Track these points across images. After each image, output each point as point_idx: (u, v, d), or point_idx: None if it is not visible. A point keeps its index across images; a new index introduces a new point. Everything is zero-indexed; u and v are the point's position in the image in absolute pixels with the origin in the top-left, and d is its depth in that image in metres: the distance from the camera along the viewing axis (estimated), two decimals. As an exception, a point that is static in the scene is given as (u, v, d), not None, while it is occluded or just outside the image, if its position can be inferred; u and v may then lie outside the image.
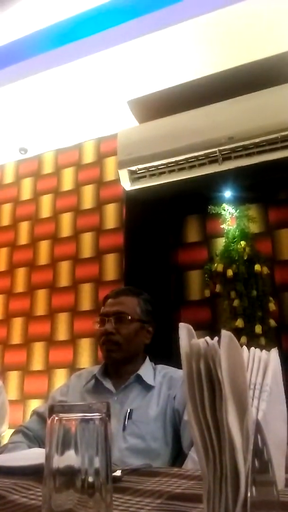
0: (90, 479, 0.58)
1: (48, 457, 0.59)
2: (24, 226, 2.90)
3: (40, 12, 2.02)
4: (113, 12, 1.97)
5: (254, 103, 2.05)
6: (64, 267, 2.69)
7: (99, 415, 0.60)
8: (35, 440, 1.29)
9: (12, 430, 1.38)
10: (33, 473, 0.81)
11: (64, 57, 2.10)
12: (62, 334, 2.58)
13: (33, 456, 0.95)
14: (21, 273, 2.81)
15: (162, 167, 2.23)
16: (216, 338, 0.45)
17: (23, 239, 2.88)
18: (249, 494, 0.39)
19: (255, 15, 1.83)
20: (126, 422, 1.24)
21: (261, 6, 1.79)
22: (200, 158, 2.15)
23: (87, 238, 2.68)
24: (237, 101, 2.09)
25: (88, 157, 2.82)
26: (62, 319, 2.60)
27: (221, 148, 2.07)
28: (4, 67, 2.21)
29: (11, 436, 1.34)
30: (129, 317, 1.35)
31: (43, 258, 2.77)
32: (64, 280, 2.67)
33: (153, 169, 2.25)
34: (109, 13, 1.98)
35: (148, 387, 1.32)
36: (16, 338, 2.70)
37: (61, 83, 2.25)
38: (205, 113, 2.12)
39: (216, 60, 2.10)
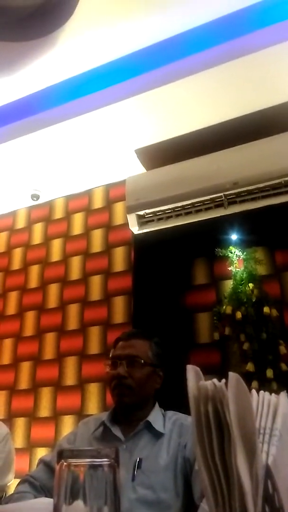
0: (99, 529, 0.57)
1: (56, 507, 0.58)
2: (34, 270, 2.95)
3: (51, 69, 2.16)
4: (121, 68, 2.10)
5: (258, 150, 2.13)
6: (73, 310, 2.70)
7: (107, 461, 0.60)
8: (42, 490, 1.25)
9: (18, 480, 1.35)
10: (40, 524, 0.78)
11: (75, 111, 2.22)
12: (70, 378, 2.54)
13: (41, 505, 0.92)
14: (30, 316, 2.82)
15: (169, 211, 2.29)
16: (223, 380, 0.46)
17: (33, 282, 2.91)
18: None
19: (258, 67, 1.94)
20: (135, 472, 1.20)
21: (263, 59, 1.90)
22: (206, 202, 2.20)
23: (96, 281, 2.70)
24: (241, 149, 2.17)
25: (98, 202, 2.90)
26: (70, 363, 2.57)
27: (226, 193, 2.12)
28: (18, 120, 2.33)
29: (17, 486, 1.30)
30: (142, 361, 1.33)
31: (52, 301, 2.79)
32: (72, 323, 2.67)
33: (160, 213, 2.31)
34: (117, 70, 2.11)
35: (158, 435, 1.28)
36: (24, 383, 2.67)
37: (72, 135, 2.37)
38: (210, 160, 2.20)
39: (219, 111, 2.20)
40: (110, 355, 1.40)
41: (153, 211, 2.30)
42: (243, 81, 2.02)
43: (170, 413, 1.38)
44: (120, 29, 1.96)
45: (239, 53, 1.88)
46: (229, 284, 2.28)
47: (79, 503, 0.59)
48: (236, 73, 1.97)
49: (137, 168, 2.56)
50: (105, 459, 0.59)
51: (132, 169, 2.57)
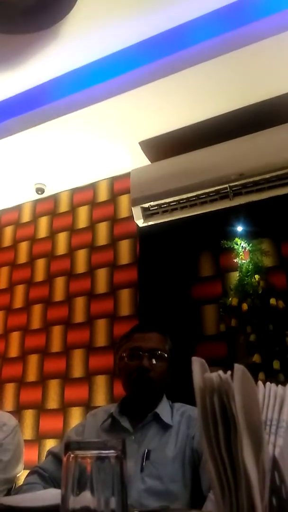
0: (107, 520, 0.57)
1: (64, 498, 0.59)
2: (40, 263, 2.96)
3: (54, 61, 2.14)
4: (124, 59, 2.08)
5: (263, 141, 2.10)
6: (79, 303, 2.71)
7: (114, 453, 0.60)
8: (51, 481, 1.27)
9: (27, 471, 1.36)
10: (49, 514, 0.79)
11: (79, 103, 2.21)
12: (77, 371, 2.56)
13: (49, 496, 0.93)
14: (37, 309, 2.84)
15: (174, 203, 2.28)
16: (229, 372, 0.46)
17: (39, 276, 2.92)
18: (267, 534, 0.38)
19: (264, 56, 1.91)
20: (144, 463, 1.21)
21: (269, 48, 1.87)
22: (211, 194, 2.19)
23: (101, 274, 2.70)
24: (246, 139, 2.15)
25: (102, 195, 2.90)
26: (77, 355, 2.59)
27: (231, 184, 2.11)
28: (22, 113, 2.33)
29: (26, 477, 1.32)
30: (165, 355, 1.34)
31: (59, 294, 2.80)
32: (79, 316, 2.68)
33: (165, 205, 2.30)
34: (121, 61, 2.09)
35: (166, 426, 1.29)
36: (32, 375, 2.69)
37: (77, 127, 2.36)
38: (215, 151, 2.18)
39: (224, 101, 2.18)
40: (128, 346, 1.37)
41: (158, 204, 2.29)
42: (248, 71, 1.99)
43: (178, 405, 1.38)
44: (123, 19, 1.94)
45: (243, 42, 1.85)
46: (235, 276, 2.27)
47: (86, 494, 0.59)
48: (241, 63, 1.94)
49: (141, 161, 2.54)
50: (112, 451, 0.59)
51: (136, 161, 2.56)
